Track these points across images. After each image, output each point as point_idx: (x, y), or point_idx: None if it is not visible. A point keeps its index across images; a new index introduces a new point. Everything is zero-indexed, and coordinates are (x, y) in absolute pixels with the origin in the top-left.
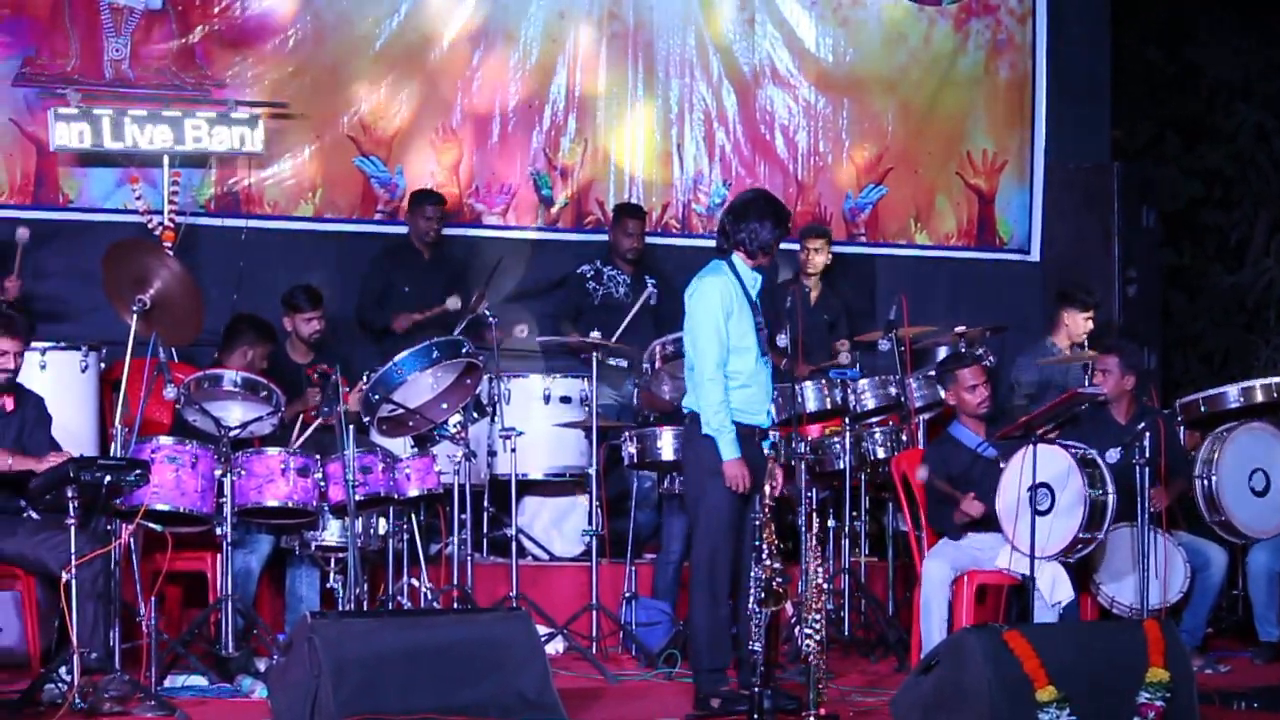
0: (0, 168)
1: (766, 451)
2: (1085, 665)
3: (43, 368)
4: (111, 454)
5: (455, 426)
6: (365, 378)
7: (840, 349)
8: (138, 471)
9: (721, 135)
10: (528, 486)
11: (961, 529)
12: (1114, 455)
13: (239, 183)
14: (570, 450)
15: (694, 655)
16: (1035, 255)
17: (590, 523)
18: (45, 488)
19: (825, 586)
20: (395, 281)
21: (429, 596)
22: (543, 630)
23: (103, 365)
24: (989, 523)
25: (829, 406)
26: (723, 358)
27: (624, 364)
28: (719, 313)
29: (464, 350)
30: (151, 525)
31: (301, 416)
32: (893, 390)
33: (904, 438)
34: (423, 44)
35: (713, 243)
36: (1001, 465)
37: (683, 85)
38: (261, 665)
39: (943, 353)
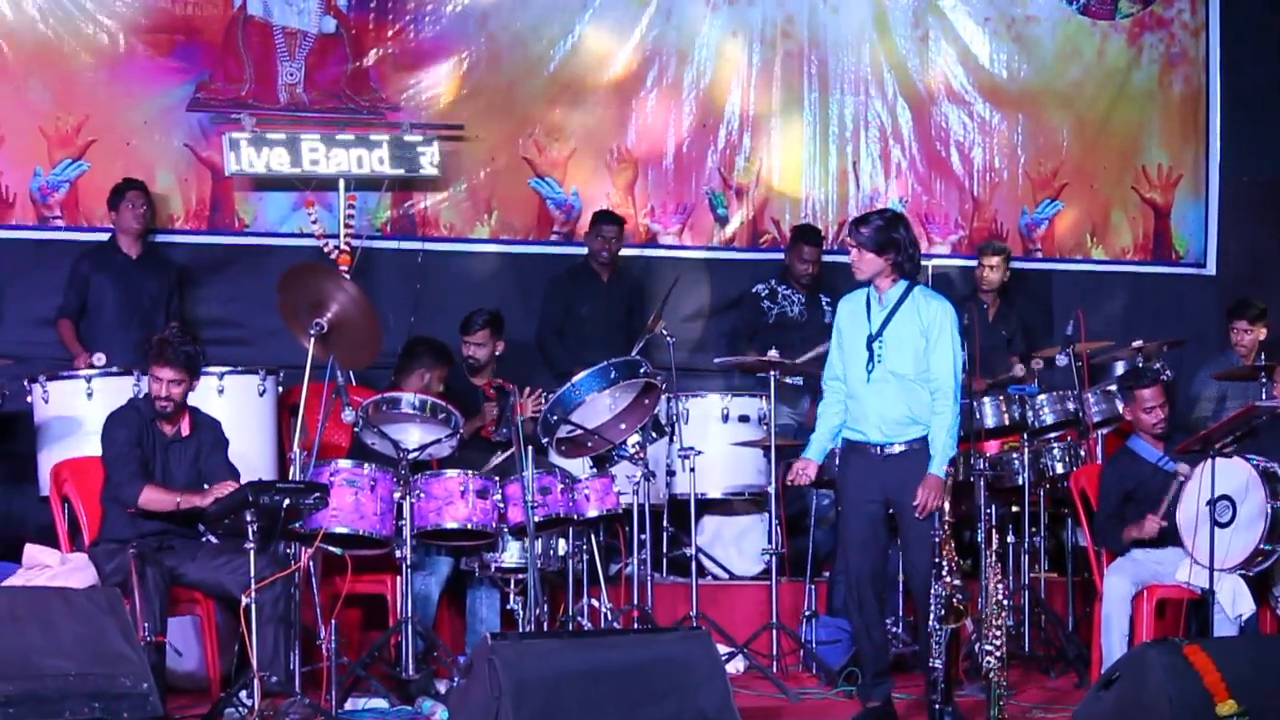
0: (176, 193)
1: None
2: (1266, 679)
3: (220, 392)
4: (290, 477)
5: (634, 447)
6: (542, 395)
7: (1016, 364)
8: (316, 495)
9: (897, 152)
10: (707, 506)
11: (1131, 545)
12: None
13: (414, 205)
14: (749, 469)
15: None
16: (1211, 269)
17: (770, 541)
18: (224, 512)
19: (1005, 603)
20: (574, 304)
21: (609, 617)
22: (723, 649)
23: (280, 389)
24: (1167, 537)
25: (1007, 422)
26: None
27: (801, 382)
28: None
29: (642, 370)
30: (331, 548)
31: (481, 431)
32: (1071, 405)
33: (1082, 453)
34: (597, 64)
35: None
36: (1182, 479)
37: (858, 103)
38: (442, 687)
39: (1120, 367)
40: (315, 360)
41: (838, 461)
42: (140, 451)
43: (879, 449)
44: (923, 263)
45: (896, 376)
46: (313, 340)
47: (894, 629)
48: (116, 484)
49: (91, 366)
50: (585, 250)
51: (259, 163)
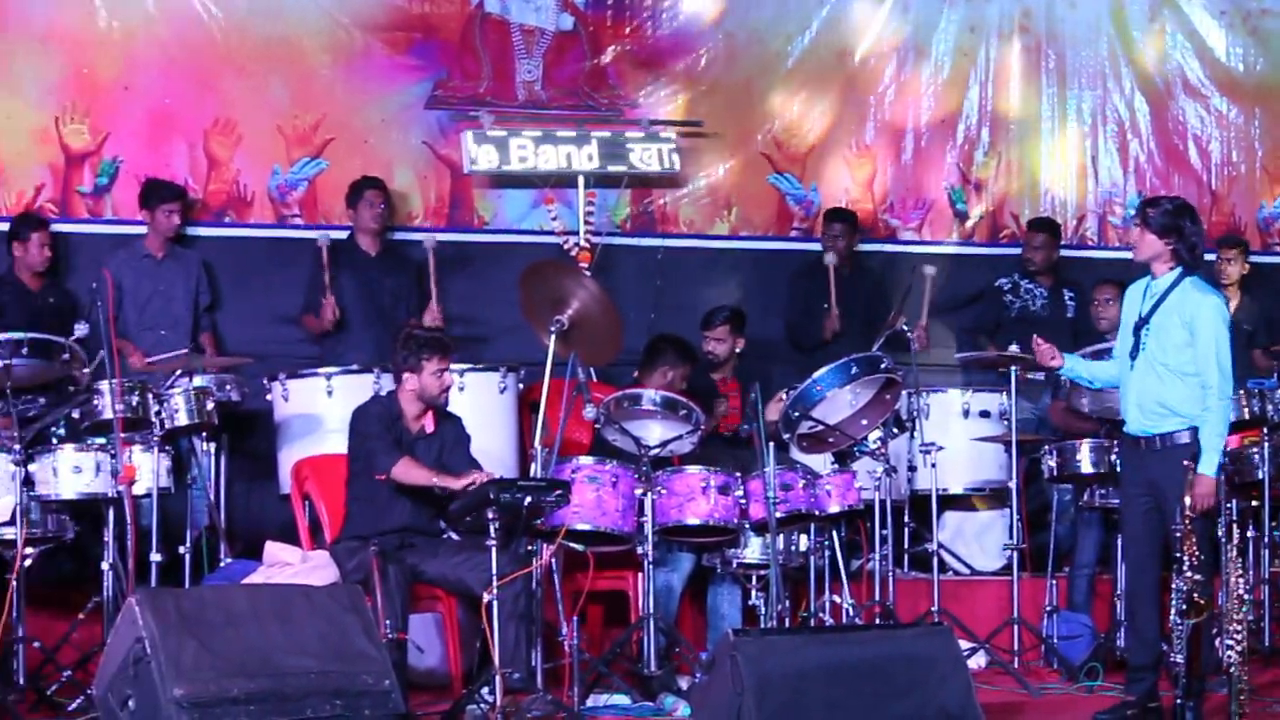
0: (415, 190)
1: (1185, 462)
2: None
3: (461, 389)
4: (531, 475)
5: (875, 442)
6: (784, 393)
7: (1258, 358)
8: (558, 492)
9: (1135, 146)
10: (948, 501)
11: None
12: None
13: (654, 202)
14: (990, 464)
15: None
16: None
17: (1011, 536)
18: (465, 510)
19: (1246, 597)
20: (816, 300)
21: (851, 613)
22: (964, 645)
23: (521, 386)
24: None
25: (1247, 417)
26: None
27: (1042, 377)
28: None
29: (883, 366)
30: (573, 545)
31: (718, 426)
32: None
33: None
34: (835, 60)
35: (1129, 254)
36: None
37: (1095, 97)
38: (684, 683)
39: None
40: (556, 357)
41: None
42: (393, 433)
43: (1142, 441)
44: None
45: (1159, 365)
46: (553, 337)
47: None
48: (372, 454)
49: (338, 319)
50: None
51: (498, 160)
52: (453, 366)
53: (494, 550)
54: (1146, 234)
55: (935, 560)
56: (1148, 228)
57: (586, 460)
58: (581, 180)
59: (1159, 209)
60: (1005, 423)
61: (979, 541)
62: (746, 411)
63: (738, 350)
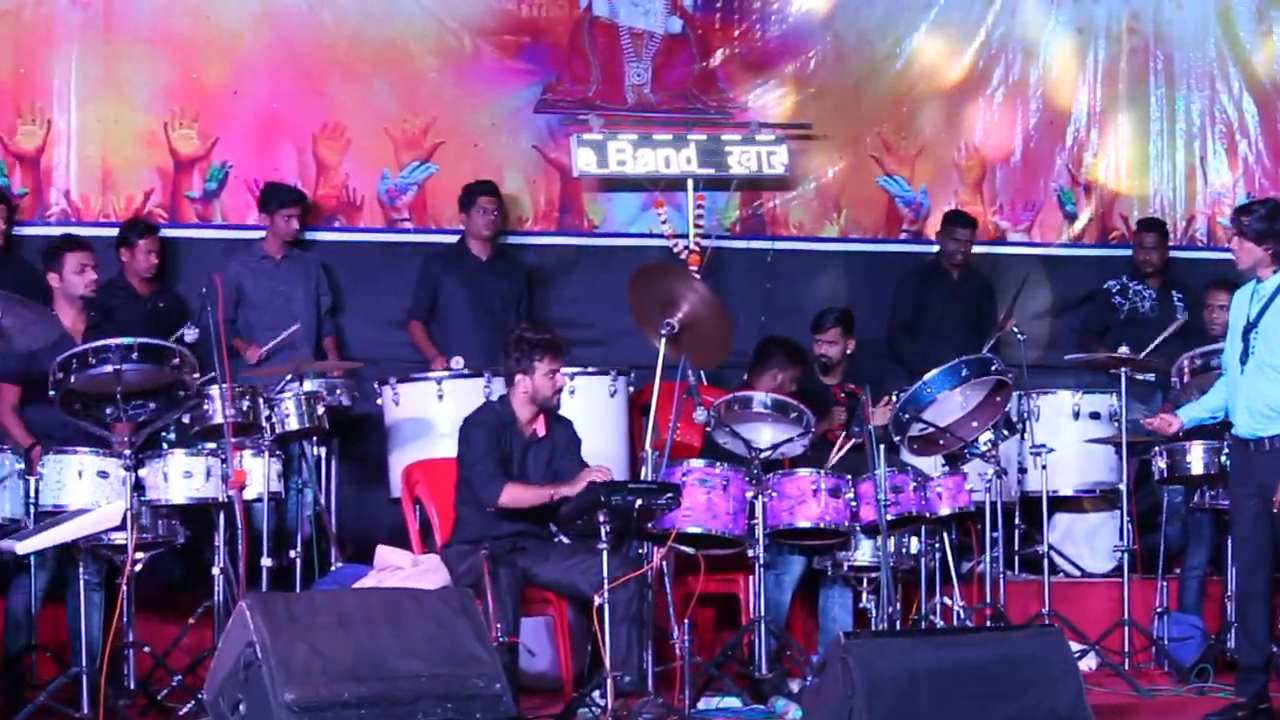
0: (525, 194)
1: None
2: None
3: (572, 393)
4: (642, 478)
5: (986, 444)
6: (894, 396)
7: None
8: (669, 495)
9: (1244, 147)
10: (1058, 503)
11: None
12: None
13: (763, 205)
14: (1100, 466)
15: None
16: None
17: (1121, 538)
18: (577, 513)
19: None
20: (925, 302)
21: (961, 615)
22: (1075, 647)
23: (631, 389)
24: None
25: None
26: None
27: (1152, 378)
28: None
29: (993, 368)
30: (683, 548)
31: (827, 434)
32: None
33: None
34: (944, 61)
35: None
36: None
37: (1203, 98)
38: (795, 686)
39: None
40: (666, 360)
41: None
42: (499, 451)
43: (1251, 443)
44: None
45: (1269, 368)
46: (664, 340)
47: None
48: (476, 485)
49: (448, 369)
50: (935, 248)
51: (607, 164)
52: (563, 370)
53: (605, 553)
54: (1244, 242)
55: (1045, 562)
56: (1244, 236)
57: (697, 463)
58: (691, 183)
59: (1252, 215)
60: (1115, 424)
61: (1089, 543)
62: (855, 415)
63: (848, 352)
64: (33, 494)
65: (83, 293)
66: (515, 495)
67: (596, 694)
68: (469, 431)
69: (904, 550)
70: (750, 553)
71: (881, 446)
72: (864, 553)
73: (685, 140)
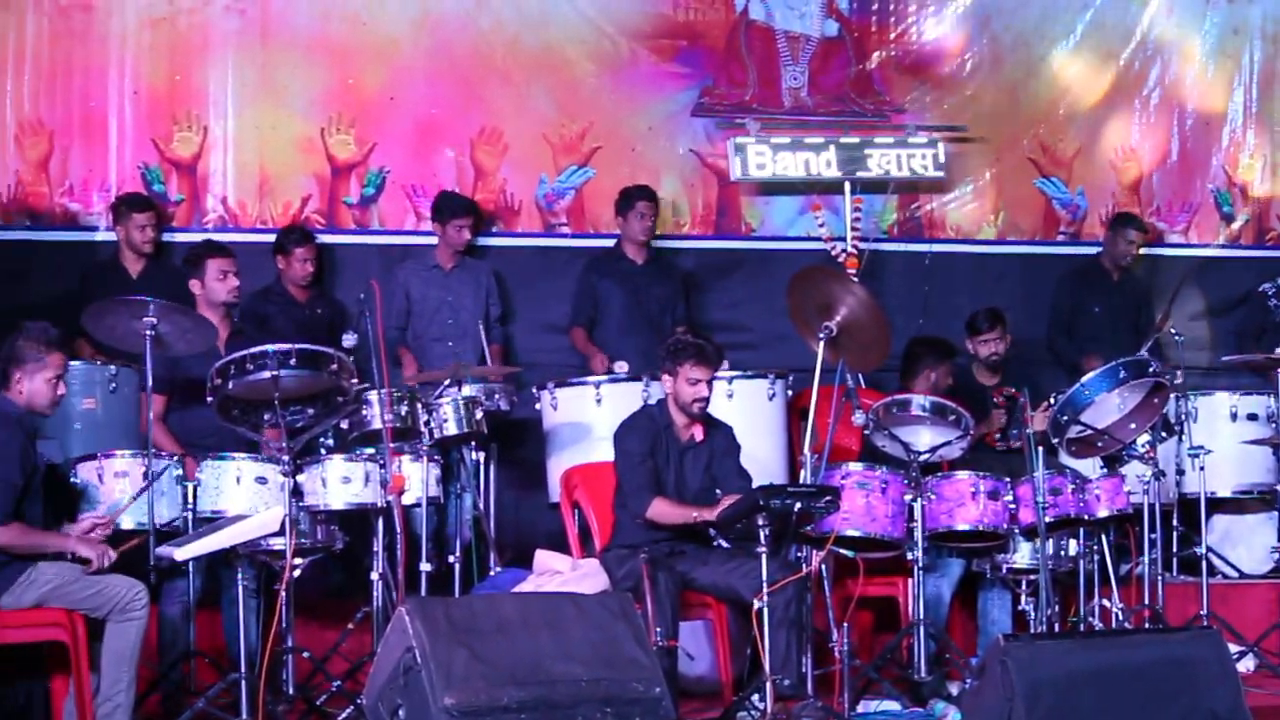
0: (683, 198)
1: None
2: None
3: (730, 397)
4: (801, 481)
5: (1143, 446)
6: (1052, 399)
7: None
8: (828, 498)
9: None
10: (1216, 504)
11: None
12: None
13: (921, 207)
14: (1258, 467)
15: None
16: None
17: (1279, 540)
18: (735, 517)
19: None
20: (1085, 303)
21: (1120, 617)
22: (1234, 648)
23: (790, 393)
24: None
25: None
26: None
27: None
28: None
29: (1151, 369)
30: (842, 551)
31: (986, 437)
32: None
33: None
34: (1100, 63)
35: None
36: None
37: None
38: (954, 689)
39: None
40: (825, 363)
41: None
42: (653, 462)
43: None
44: None
45: None
46: (822, 343)
47: None
48: (628, 494)
49: (611, 373)
50: (1093, 249)
51: (764, 167)
52: (721, 374)
53: (764, 557)
54: None
55: (1204, 564)
56: None
57: (856, 466)
58: (848, 186)
59: None
60: (1273, 425)
61: (1247, 544)
62: (1013, 416)
63: (1003, 353)
64: (190, 500)
65: (225, 299)
66: (661, 511)
67: (755, 698)
68: (623, 439)
69: (1062, 552)
70: (909, 555)
71: (1040, 449)
72: (1023, 555)
73: (850, 144)
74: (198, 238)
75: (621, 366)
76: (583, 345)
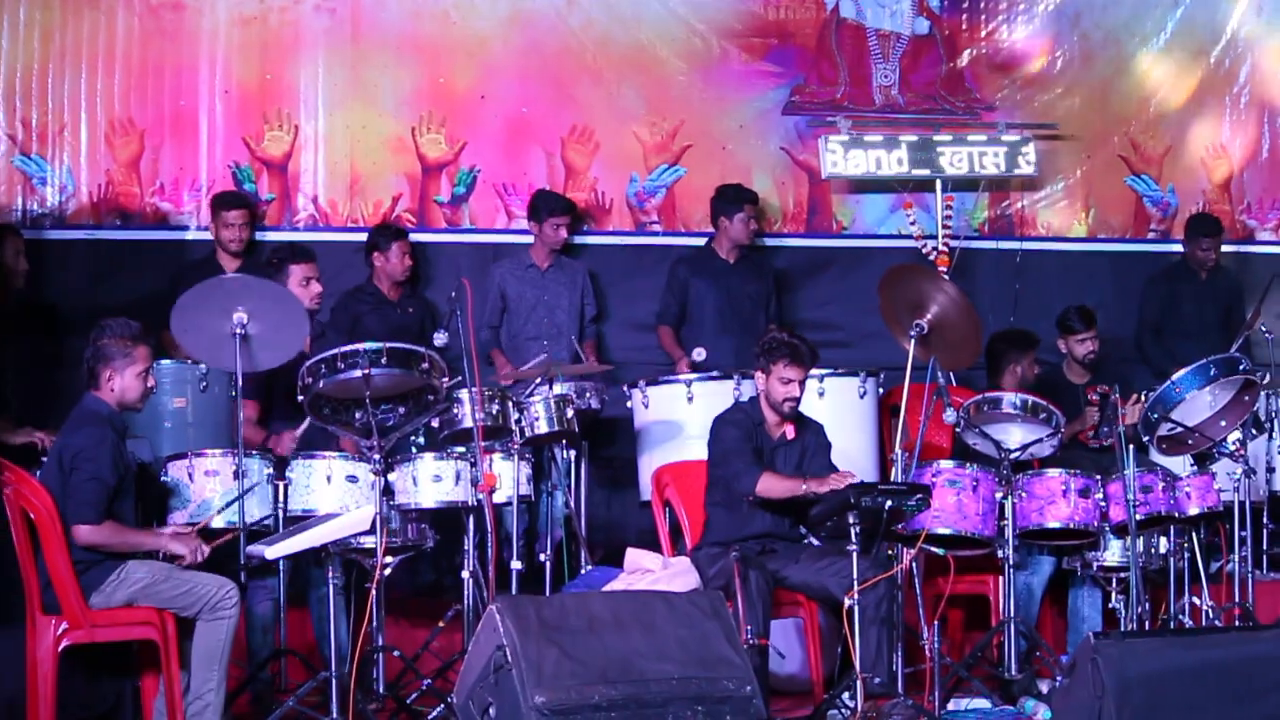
0: (773, 195)
1: None
2: None
3: (821, 395)
4: (892, 479)
5: (1234, 443)
6: (1143, 395)
7: None
8: (919, 496)
9: None
10: None
11: None
12: None
13: (1012, 205)
14: None
15: None
16: None
17: None
18: (826, 515)
19: None
20: (1174, 301)
21: (1210, 615)
22: None
23: (881, 390)
24: None
25: None
26: None
27: None
28: None
29: (1241, 367)
30: (933, 549)
31: (1079, 435)
32: None
33: None
34: (1191, 60)
35: None
36: None
37: None
38: (1044, 687)
39: None
40: (916, 361)
41: None
42: (753, 443)
43: None
44: None
45: None
46: (913, 341)
47: None
48: (734, 474)
49: (693, 364)
50: (1182, 247)
51: (856, 165)
52: (813, 372)
53: (855, 555)
54: None
55: None
56: None
57: (947, 464)
58: (939, 184)
59: None
60: None
61: None
62: (1104, 414)
63: (1096, 352)
64: (281, 498)
65: (308, 306)
66: (769, 485)
67: (846, 696)
68: (720, 429)
69: (1153, 550)
70: (1000, 553)
71: (1131, 447)
72: (1113, 553)
73: (942, 141)
74: (289, 237)
75: (699, 353)
76: (669, 345)
